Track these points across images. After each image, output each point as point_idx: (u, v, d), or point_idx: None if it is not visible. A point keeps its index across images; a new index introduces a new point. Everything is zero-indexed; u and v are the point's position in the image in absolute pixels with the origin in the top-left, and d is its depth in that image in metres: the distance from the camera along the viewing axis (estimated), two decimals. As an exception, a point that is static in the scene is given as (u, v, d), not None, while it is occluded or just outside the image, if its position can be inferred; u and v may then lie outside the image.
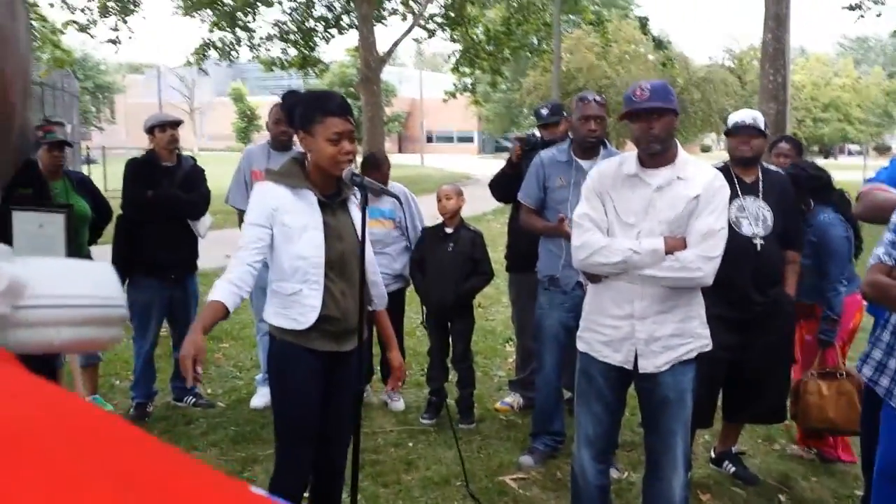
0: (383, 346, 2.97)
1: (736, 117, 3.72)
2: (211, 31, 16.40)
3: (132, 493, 0.27)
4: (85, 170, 15.84)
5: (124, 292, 4.48)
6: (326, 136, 2.58)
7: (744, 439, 4.18)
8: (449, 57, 18.83)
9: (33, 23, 13.33)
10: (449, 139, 59.82)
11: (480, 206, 13.86)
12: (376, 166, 4.55)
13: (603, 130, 3.90)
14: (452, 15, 17.32)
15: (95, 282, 0.48)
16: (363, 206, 2.63)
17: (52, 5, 13.88)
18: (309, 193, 2.66)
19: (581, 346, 3.14)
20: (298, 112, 2.66)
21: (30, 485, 0.25)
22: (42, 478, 0.26)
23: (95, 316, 0.47)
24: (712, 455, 4.03)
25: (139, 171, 4.40)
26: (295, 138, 2.83)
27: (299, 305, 2.66)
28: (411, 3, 17.66)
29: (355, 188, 2.76)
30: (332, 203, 2.72)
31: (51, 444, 0.28)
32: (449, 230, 4.41)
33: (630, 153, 3.10)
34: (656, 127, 2.88)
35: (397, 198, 2.98)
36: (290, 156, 2.87)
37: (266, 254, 2.68)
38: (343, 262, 2.71)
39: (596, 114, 3.84)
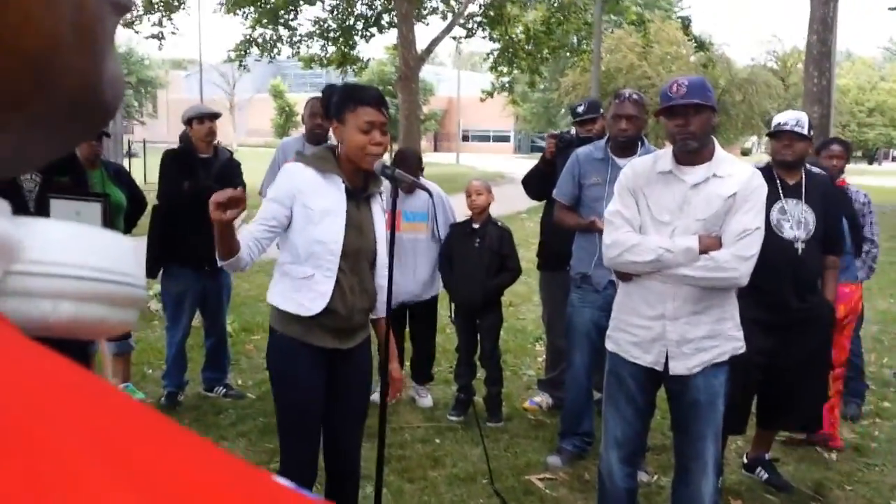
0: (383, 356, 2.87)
1: (780, 119, 3.63)
2: (253, 28, 16.60)
3: (135, 479, 0.24)
4: (126, 163, 16.13)
5: (157, 281, 4.43)
6: (358, 124, 2.55)
7: (777, 446, 4.08)
8: (487, 56, 18.79)
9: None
10: (485, 138, 59.75)
11: (514, 205, 13.80)
12: (403, 161, 4.55)
13: (637, 130, 3.82)
14: (492, 14, 17.28)
15: (110, 254, 0.40)
16: (394, 198, 2.61)
17: (97, 0, 14.15)
18: (337, 179, 2.63)
19: (610, 346, 3.09)
20: (333, 102, 2.64)
21: (13, 468, 0.22)
22: (29, 462, 0.23)
23: (104, 292, 0.40)
24: (744, 461, 3.95)
25: (175, 162, 4.44)
26: (330, 132, 2.81)
27: (309, 290, 2.59)
28: (452, 2, 17.67)
29: (383, 185, 2.73)
30: (357, 196, 2.68)
31: (43, 421, 0.24)
32: (476, 226, 4.38)
33: (665, 150, 3.04)
34: (693, 124, 2.82)
35: (428, 191, 2.95)
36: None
37: (277, 235, 2.63)
38: (357, 257, 2.65)
39: (629, 113, 3.76)
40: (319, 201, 2.59)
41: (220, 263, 2.52)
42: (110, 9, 0.36)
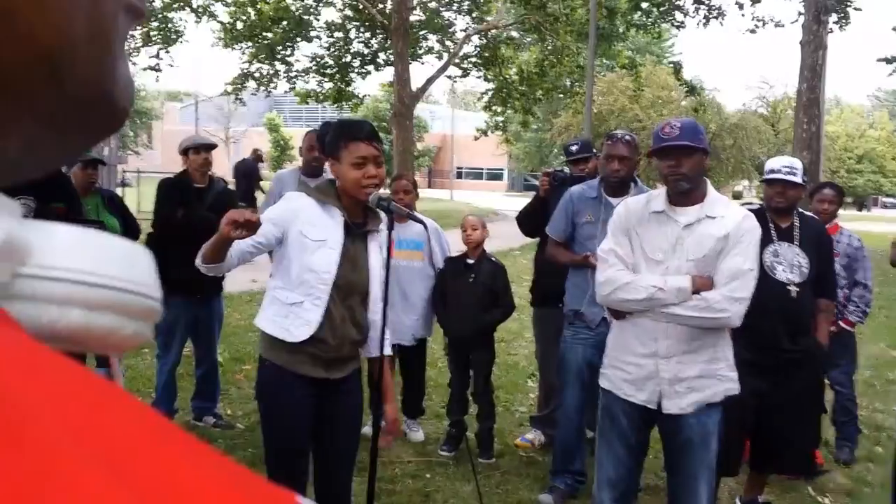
0: (379, 395, 2.84)
1: (772, 165, 3.65)
2: (250, 62, 16.76)
3: (130, 480, 0.24)
4: (119, 192, 16.14)
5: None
6: (351, 160, 2.58)
7: (770, 488, 4.06)
8: (482, 95, 19.01)
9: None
10: (479, 175, 60.08)
11: (508, 242, 13.84)
12: (399, 178, 4.63)
13: (629, 171, 3.87)
14: (487, 55, 17.53)
15: (123, 261, 0.38)
16: (389, 229, 2.63)
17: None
18: (337, 212, 2.66)
19: (604, 383, 3.09)
20: (328, 140, 2.68)
21: (4, 468, 0.22)
22: (22, 462, 0.22)
23: (117, 301, 0.37)
24: (737, 503, 3.92)
25: (171, 191, 4.46)
26: (326, 165, 2.84)
27: (296, 317, 2.60)
28: (447, 42, 17.93)
29: (381, 222, 2.75)
30: (355, 231, 2.70)
31: (38, 421, 0.23)
32: (471, 261, 4.40)
33: (659, 190, 3.08)
34: (685, 165, 2.86)
35: (423, 223, 2.97)
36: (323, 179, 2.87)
37: (260, 253, 2.64)
38: (350, 290, 2.66)
39: (622, 154, 3.80)
40: (316, 231, 2.61)
41: (199, 263, 2.50)
42: (125, 12, 0.35)
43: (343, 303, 2.65)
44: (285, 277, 2.64)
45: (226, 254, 2.45)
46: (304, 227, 2.61)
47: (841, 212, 4.73)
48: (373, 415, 2.81)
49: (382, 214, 2.72)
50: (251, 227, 2.29)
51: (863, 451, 4.77)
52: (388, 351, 2.85)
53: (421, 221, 3.13)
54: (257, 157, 12.96)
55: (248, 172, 12.23)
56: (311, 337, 2.59)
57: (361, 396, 2.86)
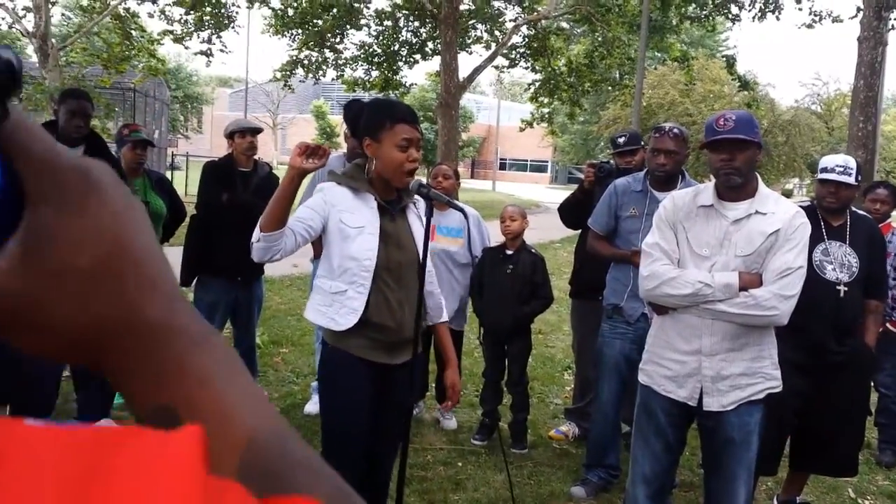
0: (441, 362, 2.87)
1: (826, 163, 3.54)
2: (299, 50, 16.87)
3: None
4: (168, 175, 16.42)
5: (191, 290, 4.45)
6: (395, 142, 2.54)
7: (809, 489, 3.97)
8: (528, 87, 18.86)
9: (132, 31, 13.97)
10: (523, 167, 59.79)
11: (548, 234, 13.77)
12: (435, 175, 4.59)
13: (676, 165, 3.77)
14: (535, 46, 17.38)
15: None
16: (428, 217, 2.60)
17: (151, 16, 14.51)
18: (370, 197, 2.63)
19: (643, 378, 3.04)
20: (365, 119, 2.61)
21: None
22: None
23: None
24: (775, 503, 3.84)
25: (216, 174, 4.50)
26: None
27: (340, 306, 2.59)
28: (495, 32, 17.82)
29: (416, 197, 2.73)
30: (392, 209, 2.68)
31: None
32: (510, 252, 4.36)
33: (707, 184, 3.01)
34: (738, 159, 2.79)
35: (463, 211, 2.95)
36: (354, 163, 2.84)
37: (310, 237, 2.60)
38: (401, 270, 2.64)
39: (668, 148, 3.70)
40: (353, 218, 2.60)
41: (257, 237, 2.45)
42: None
43: (398, 285, 2.63)
44: (328, 266, 2.64)
45: (286, 213, 2.42)
46: (343, 214, 2.60)
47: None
48: (436, 389, 2.82)
49: (420, 200, 2.70)
50: (322, 153, 2.27)
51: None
52: (445, 318, 2.92)
53: (461, 209, 3.10)
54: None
55: None
56: (371, 322, 2.58)
57: (415, 381, 2.86)
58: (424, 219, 2.65)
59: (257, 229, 2.46)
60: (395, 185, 2.63)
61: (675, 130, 3.79)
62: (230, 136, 4.53)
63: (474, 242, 4.45)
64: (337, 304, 2.60)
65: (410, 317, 2.65)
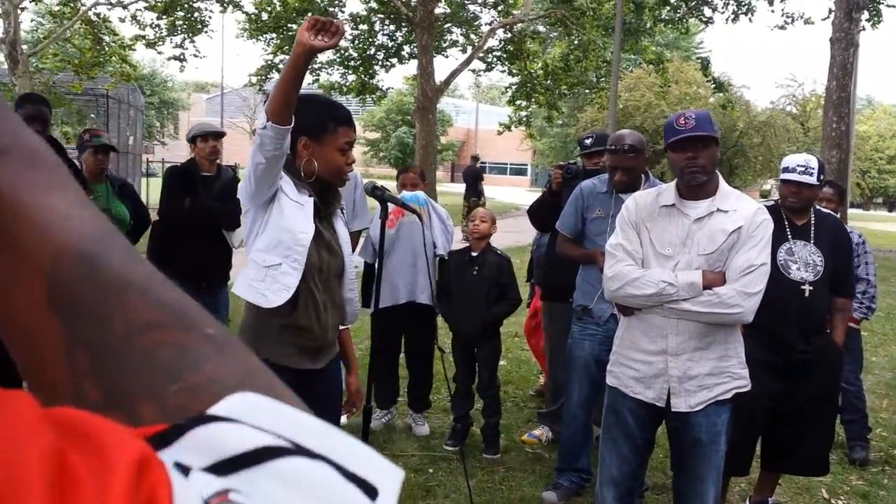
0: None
1: (787, 163, 3.52)
2: (274, 54, 16.80)
3: None
4: (144, 181, 16.24)
5: None
6: (337, 145, 2.48)
7: (782, 489, 3.96)
8: (506, 90, 18.90)
9: (103, 37, 13.82)
10: (503, 170, 59.87)
11: (527, 238, 13.74)
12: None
13: (635, 178, 3.75)
14: (511, 49, 17.42)
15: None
16: (382, 220, 2.56)
17: (122, 20, 14.38)
18: (308, 199, 2.51)
19: (611, 380, 3.02)
20: (305, 117, 2.43)
21: None
22: None
23: None
24: (747, 505, 3.83)
25: (178, 179, 4.43)
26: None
27: (273, 281, 2.45)
28: (471, 35, 17.85)
29: (341, 198, 2.67)
30: (324, 213, 2.58)
31: None
32: (475, 254, 4.32)
33: (668, 184, 3.00)
34: (702, 156, 2.79)
35: (417, 214, 2.89)
36: None
37: (275, 177, 2.43)
38: (329, 273, 2.57)
39: (626, 165, 3.69)
40: (294, 201, 2.48)
41: (266, 124, 2.25)
42: None
43: (325, 288, 2.56)
44: (264, 239, 2.49)
45: (294, 100, 2.25)
46: (286, 186, 2.47)
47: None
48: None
49: (375, 202, 2.65)
50: (336, 30, 2.11)
51: (880, 453, 4.65)
52: (350, 324, 2.82)
53: (415, 212, 3.04)
54: (476, 158, 16.99)
55: (476, 175, 15.68)
56: (297, 325, 2.49)
57: (341, 381, 2.79)
58: (379, 225, 2.59)
59: (263, 115, 2.28)
60: (334, 183, 2.56)
61: (629, 143, 3.71)
62: (192, 140, 4.46)
63: (435, 233, 4.39)
64: (269, 280, 2.45)
65: (333, 320, 2.58)
